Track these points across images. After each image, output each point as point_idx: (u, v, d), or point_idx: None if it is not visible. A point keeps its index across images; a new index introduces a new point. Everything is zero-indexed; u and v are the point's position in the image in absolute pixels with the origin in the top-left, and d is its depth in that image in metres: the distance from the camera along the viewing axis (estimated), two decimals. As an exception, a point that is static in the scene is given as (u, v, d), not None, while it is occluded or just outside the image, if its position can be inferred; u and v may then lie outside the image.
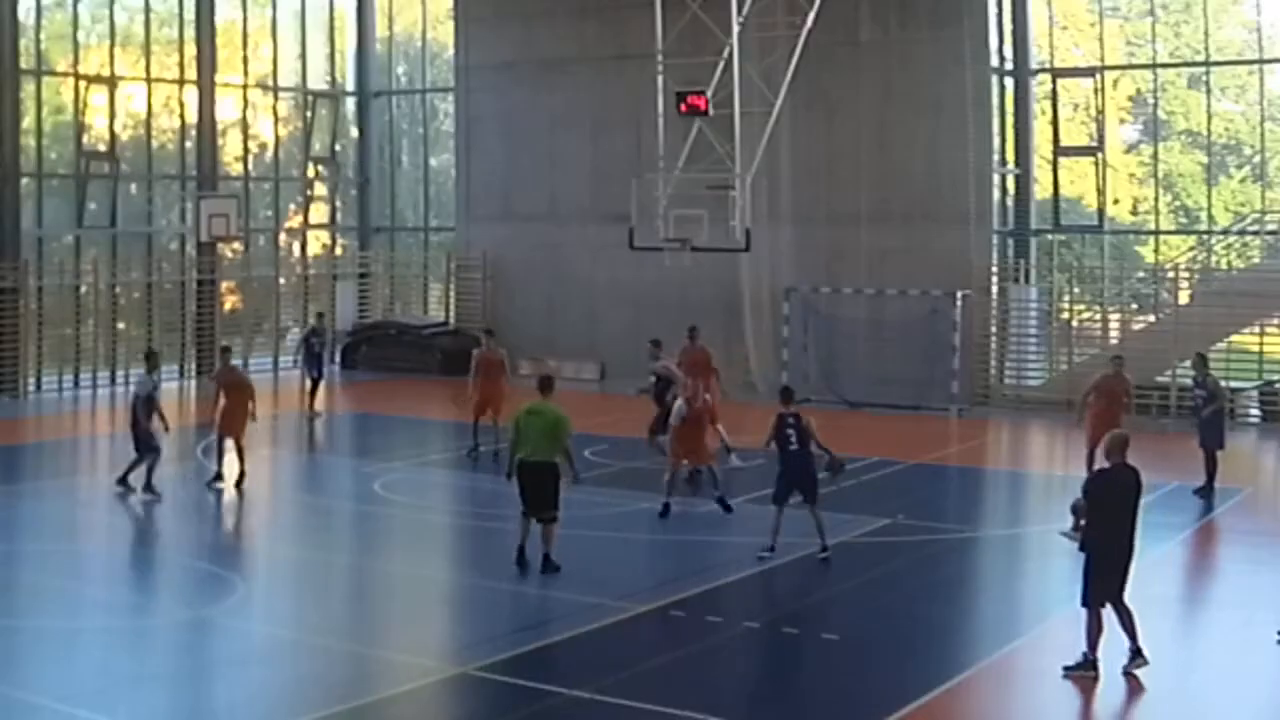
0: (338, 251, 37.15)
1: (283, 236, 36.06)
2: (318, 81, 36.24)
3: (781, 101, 25.16)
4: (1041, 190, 30.54)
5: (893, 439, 24.80)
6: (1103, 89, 29.61)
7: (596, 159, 32.20)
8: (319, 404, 27.13)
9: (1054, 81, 30.07)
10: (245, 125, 34.49)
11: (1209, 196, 30.98)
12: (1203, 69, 30.43)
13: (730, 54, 24.66)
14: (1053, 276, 29.89)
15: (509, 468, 15.41)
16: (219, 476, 19.77)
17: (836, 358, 29.26)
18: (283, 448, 24.81)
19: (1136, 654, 11.95)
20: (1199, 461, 20.02)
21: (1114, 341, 29.01)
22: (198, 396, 30.35)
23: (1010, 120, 30.05)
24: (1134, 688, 11.84)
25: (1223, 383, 26.96)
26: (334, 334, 34.54)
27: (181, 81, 32.60)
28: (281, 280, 34.93)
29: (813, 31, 25.08)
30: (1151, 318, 29.15)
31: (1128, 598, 11.94)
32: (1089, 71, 29.98)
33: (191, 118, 32.77)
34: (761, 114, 25.07)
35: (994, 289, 29.38)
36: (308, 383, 26.99)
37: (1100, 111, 29.73)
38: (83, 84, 30.72)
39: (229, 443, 19.88)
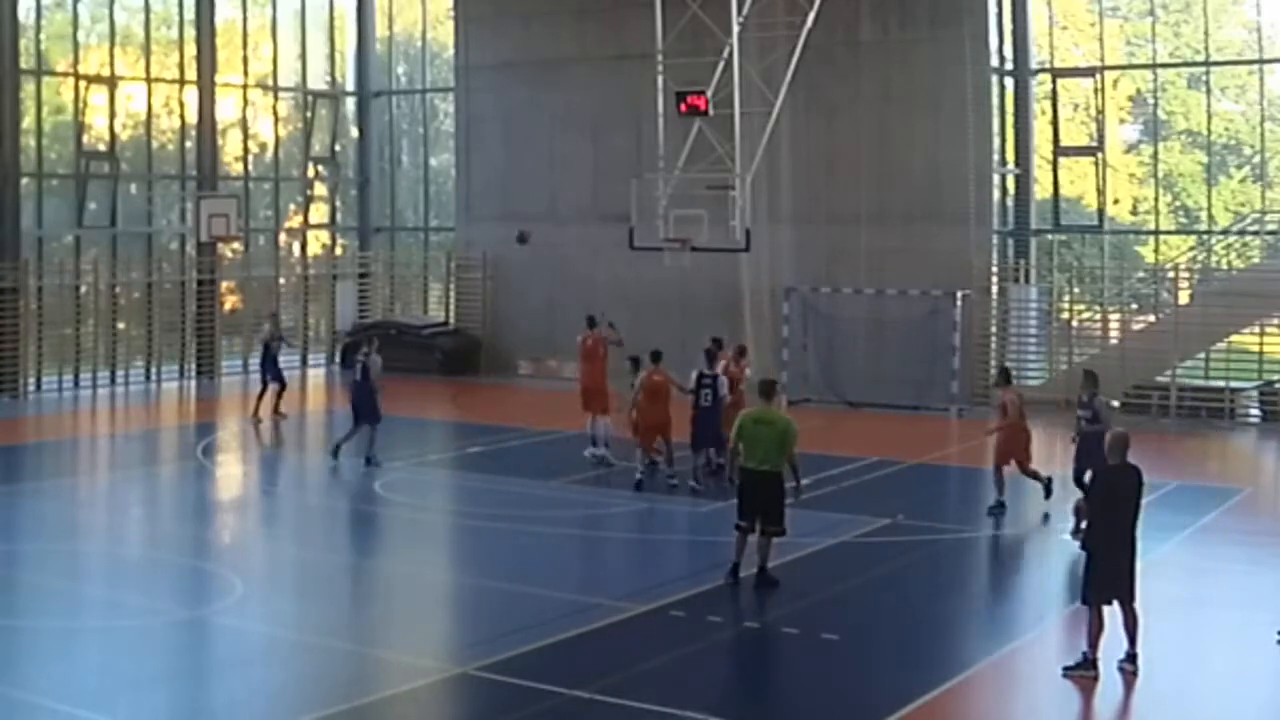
0: (338, 251, 37.14)
1: (283, 236, 36.05)
2: (318, 81, 36.24)
3: (781, 101, 25.15)
4: (1041, 190, 30.53)
5: (893, 439, 24.80)
6: (1103, 89, 29.61)
7: (596, 159, 32.19)
8: (283, 406, 26.40)
9: (1054, 81, 30.07)
10: (245, 125, 34.48)
11: (1209, 196, 30.99)
12: (1203, 69, 30.44)
13: (730, 54, 24.66)
14: (1053, 276, 29.90)
15: (730, 474, 15.07)
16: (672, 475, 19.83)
17: (836, 358, 29.26)
18: (282, 447, 24.83)
19: (1131, 659, 11.99)
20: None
21: (1114, 342, 29.03)
22: (197, 396, 30.44)
23: (1010, 120, 30.03)
24: (1134, 688, 11.84)
25: (1225, 382, 27.13)
26: (333, 335, 34.60)
27: (181, 81, 32.60)
28: (281, 280, 34.92)
29: (812, 32, 25.07)
30: (1151, 318, 29.13)
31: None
32: (1089, 71, 29.98)
33: (191, 118, 32.77)
34: (761, 114, 25.06)
35: (994, 289, 29.37)
36: (264, 387, 26.36)
37: (1100, 111, 29.74)
38: (83, 84, 30.71)
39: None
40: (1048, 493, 18.24)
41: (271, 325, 27.45)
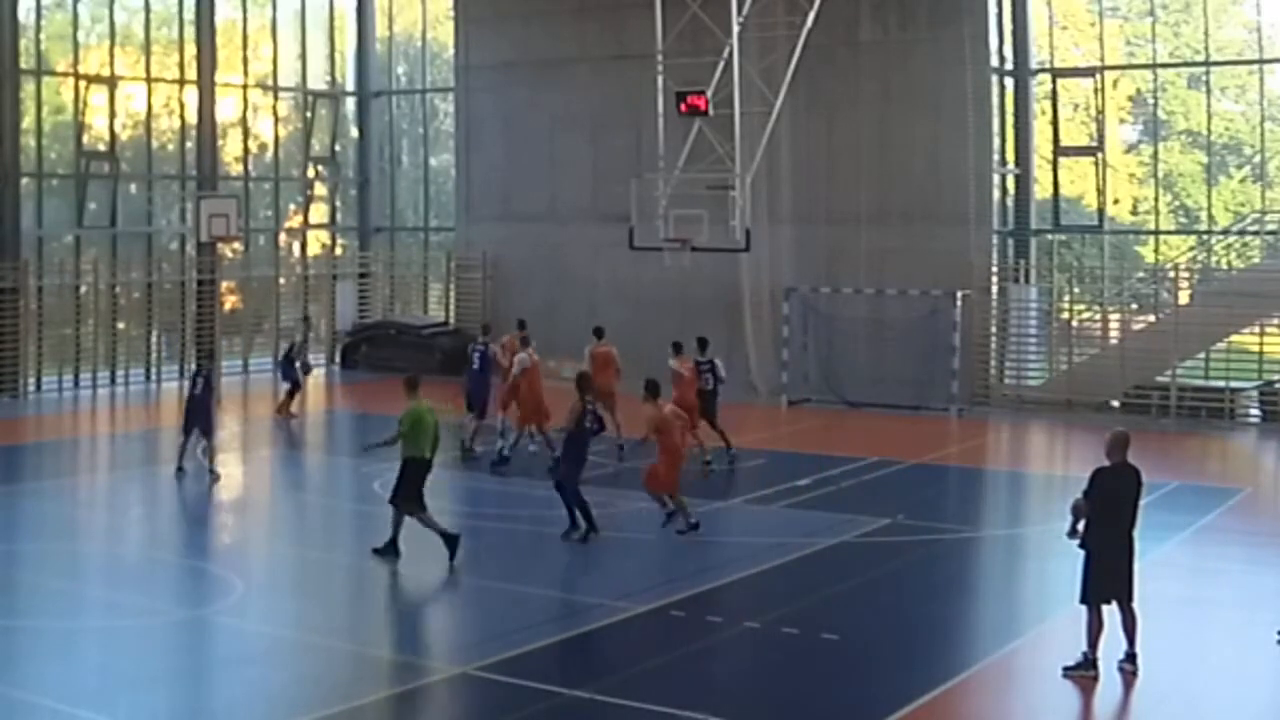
0: (338, 251, 37.15)
1: (283, 236, 36.05)
2: (318, 81, 36.24)
3: (781, 101, 25.16)
4: (1041, 190, 30.53)
5: (893, 439, 24.81)
6: (1103, 89, 29.61)
7: (596, 159, 32.19)
8: (292, 407, 26.88)
9: (1054, 81, 30.07)
10: (245, 125, 34.49)
11: (1209, 196, 30.98)
12: (1203, 69, 30.43)
13: (730, 54, 24.66)
14: (1053, 276, 29.89)
15: (410, 462, 15.70)
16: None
17: (836, 358, 29.26)
18: (282, 447, 24.82)
19: (1131, 659, 12.00)
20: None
21: (1114, 342, 29.03)
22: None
23: (1010, 120, 30.03)
24: (1134, 688, 11.84)
25: (1230, 382, 27.11)
26: (333, 335, 34.63)
27: (181, 81, 32.60)
28: (281, 280, 34.92)
29: (812, 31, 25.08)
30: (1151, 318, 29.13)
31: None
32: (1089, 71, 29.97)
33: (191, 118, 32.76)
34: (761, 114, 25.07)
35: (994, 289, 29.37)
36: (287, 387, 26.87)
37: (1100, 111, 29.73)
38: (83, 84, 30.71)
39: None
40: (692, 527, 16.99)
41: (304, 327, 27.88)
